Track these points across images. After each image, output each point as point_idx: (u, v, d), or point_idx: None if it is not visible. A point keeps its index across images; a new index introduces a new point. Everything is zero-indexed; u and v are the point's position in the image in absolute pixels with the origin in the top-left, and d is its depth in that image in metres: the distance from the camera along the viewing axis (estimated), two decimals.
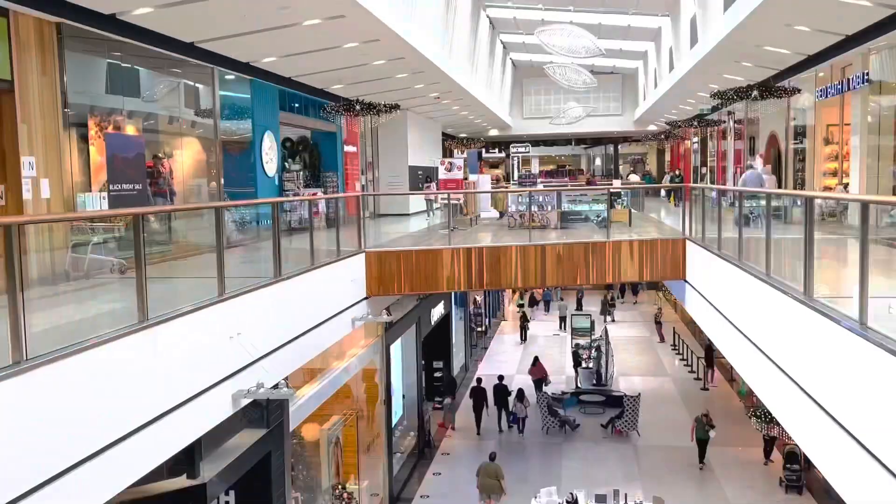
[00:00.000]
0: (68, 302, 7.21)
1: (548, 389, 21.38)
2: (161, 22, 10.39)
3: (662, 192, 26.46)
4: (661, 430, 19.14)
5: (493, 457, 15.07)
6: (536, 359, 23.03)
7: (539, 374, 22.27)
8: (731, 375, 23.13)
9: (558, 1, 25.54)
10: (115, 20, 9.73)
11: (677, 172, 32.19)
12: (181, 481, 7.09)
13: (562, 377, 23.64)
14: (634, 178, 34.76)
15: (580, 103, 36.28)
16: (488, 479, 14.50)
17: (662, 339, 29.95)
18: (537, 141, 43.91)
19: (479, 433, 19.54)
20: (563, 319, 32.00)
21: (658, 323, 30.73)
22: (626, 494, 13.66)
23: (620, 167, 47.17)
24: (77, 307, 7.07)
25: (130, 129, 10.96)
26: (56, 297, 7.14)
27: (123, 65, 10.86)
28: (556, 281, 12.70)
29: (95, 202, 9.70)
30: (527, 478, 15.72)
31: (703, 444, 16.93)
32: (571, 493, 13.41)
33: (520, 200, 16.57)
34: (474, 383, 20.45)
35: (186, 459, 7.01)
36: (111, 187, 9.85)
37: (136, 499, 6.57)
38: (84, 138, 9.85)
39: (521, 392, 19.67)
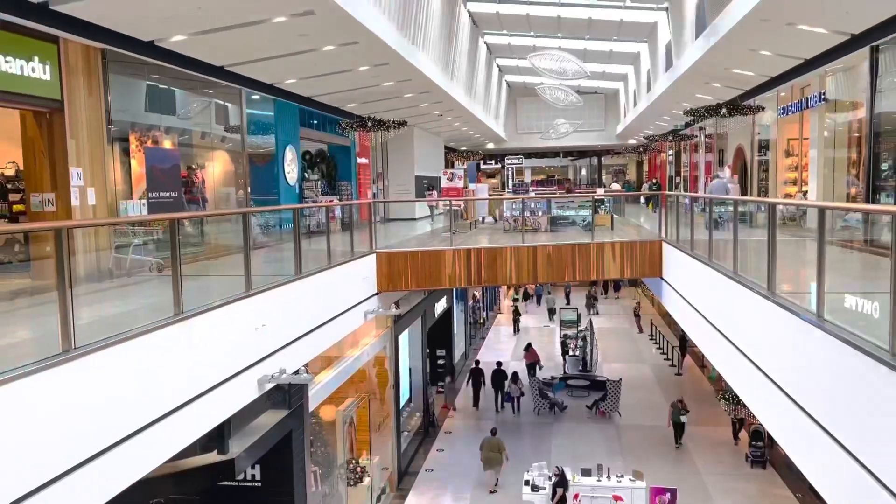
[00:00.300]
0: (112, 297, 7.22)
1: (539, 375, 21.37)
2: (194, 48, 10.41)
3: (641, 199, 26.34)
4: (640, 411, 19.08)
5: (494, 431, 15.00)
6: (529, 345, 22.99)
7: (532, 358, 22.24)
8: (702, 362, 23.07)
9: (548, 29, 25.55)
10: (153, 46, 9.75)
11: (654, 181, 32.13)
12: (212, 456, 7.09)
13: (551, 364, 23.57)
14: (616, 186, 34.65)
15: (567, 120, 36.22)
16: (491, 452, 14.42)
17: (641, 330, 29.85)
18: (529, 153, 43.86)
19: (476, 406, 19.71)
20: (552, 312, 31.94)
21: (637, 316, 30.65)
22: (608, 469, 13.60)
23: (603, 177, 47.07)
24: (120, 302, 7.08)
25: (167, 144, 10.96)
26: (101, 293, 7.15)
27: (161, 86, 10.87)
28: (546, 278, 12.67)
29: (136, 208, 9.72)
30: (520, 454, 15.67)
31: (678, 427, 16.84)
32: (558, 467, 13.37)
33: (514, 206, 16.53)
34: (473, 365, 20.65)
35: (217, 437, 7.00)
36: (150, 195, 9.88)
37: (173, 472, 6.59)
38: (126, 152, 9.87)
39: (515, 374, 19.71)
